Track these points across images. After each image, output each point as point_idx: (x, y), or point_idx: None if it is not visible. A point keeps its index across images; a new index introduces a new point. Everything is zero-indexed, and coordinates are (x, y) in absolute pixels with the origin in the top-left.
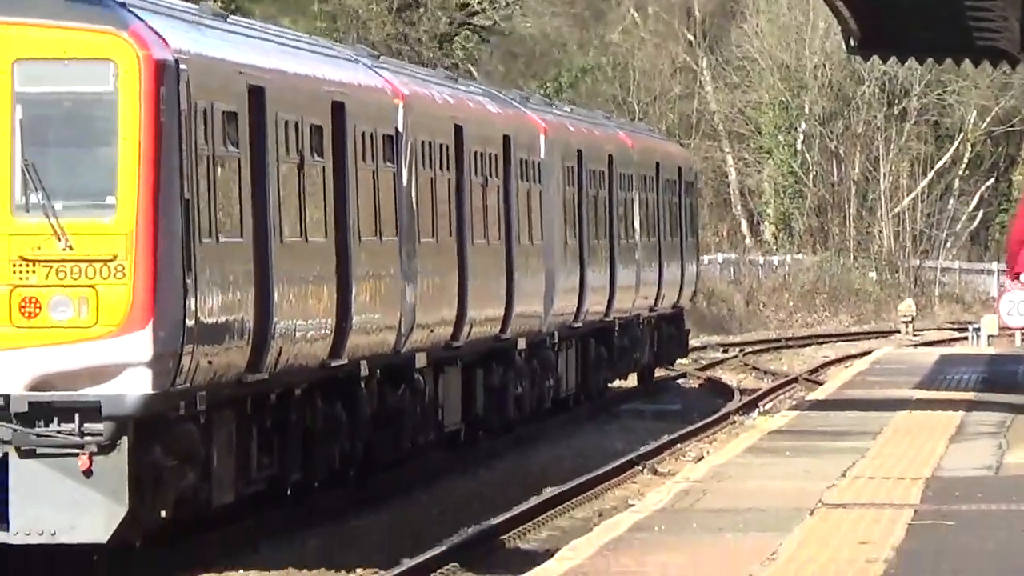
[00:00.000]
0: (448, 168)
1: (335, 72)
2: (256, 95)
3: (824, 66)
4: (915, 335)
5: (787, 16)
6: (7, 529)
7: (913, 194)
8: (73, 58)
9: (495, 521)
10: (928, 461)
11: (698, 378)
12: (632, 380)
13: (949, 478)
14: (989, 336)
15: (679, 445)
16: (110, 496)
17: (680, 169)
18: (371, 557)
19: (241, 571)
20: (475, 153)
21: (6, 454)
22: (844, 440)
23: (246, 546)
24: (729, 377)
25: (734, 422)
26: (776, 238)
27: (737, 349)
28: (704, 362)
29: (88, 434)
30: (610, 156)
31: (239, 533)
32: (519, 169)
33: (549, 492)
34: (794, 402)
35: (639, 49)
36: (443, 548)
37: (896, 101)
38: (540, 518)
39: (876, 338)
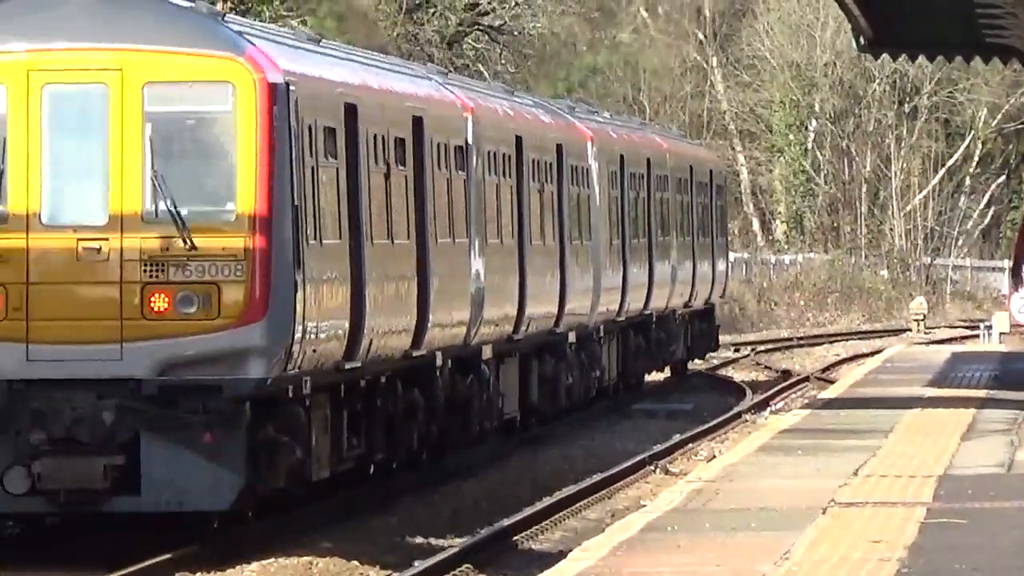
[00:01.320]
0: (509, 175)
1: (413, 89)
2: (350, 112)
3: (835, 64)
4: (926, 333)
5: (797, 15)
6: (140, 498)
7: (924, 192)
8: (196, 81)
9: (507, 522)
10: (940, 459)
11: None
12: (651, 379)
13: (961, 476)
14: (1001, 334)
15: (691, 445)
16: (230, 468)
17: (711, 172)
18: (383, 558)
19: (245, 569)
20: (532, 161)
21: (138, 431)
22: (856, 439)
23: (255, 545)
24: (741, 376)
25: (746, 421)
26: (787, 237)
27: (749, 348)
28: (716, 361)
29: (212, 414)
30: (648, 160)
31: (250, 532)
32: (570, 175)
33: (561, 493)
34: (806, 401)
35: (649, 48)
36: (456, 549)
37: (907, 99)
38: (553, 519)
39: (887, 336)
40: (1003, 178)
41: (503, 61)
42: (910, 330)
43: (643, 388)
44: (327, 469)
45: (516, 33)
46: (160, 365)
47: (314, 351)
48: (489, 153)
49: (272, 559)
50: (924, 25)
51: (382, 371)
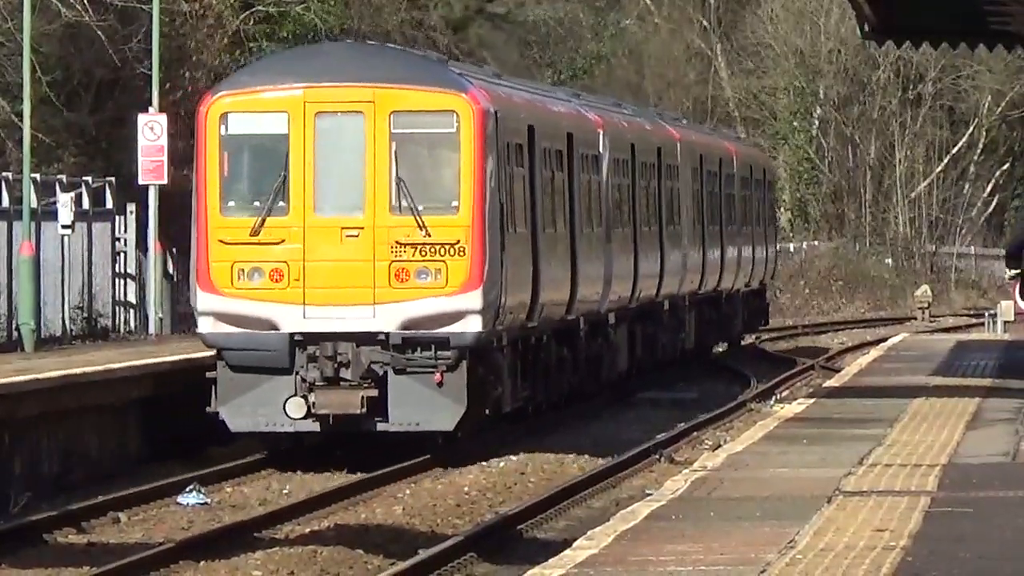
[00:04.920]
0: (628, 175)
1: (565, 110)
2: (530, 131)
3: (839, 51)
4: (931, 321)
5: (801, 1)
6: (387, 421)
7: (929, 179)
8: (430, 110)
9: (511, 511)
10: (945, 448)
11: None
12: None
13: (966, 465)
14: (1005, 322)
15: (696, 433)
16: (454, 399)
17: (764, 170)
18: (387, 547)
19: (251, 558)
20: (642, 163)
21: (386, 372)
22: (861, 427)
23: (253, 536)
24: (746, 364)
25: (751, 410)
26: (792, 224)
27: (753, 336)
28: (721, 349)
29: (440, 359)
30: (720, 160)
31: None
32: (665, 172)
33: (566, 481)
34: (810, 389)
35: (653, 35)
36: (460, 538)
37: (911, 86)
38: (557, 507)
39: (892, 324)
40: (1007, 165)
41: (508, 48)
42: (915, 318)
43: (711, 355)
44: (510, 405)
45: (521, 20)
46: (403, 322)
47: (510, 313)
48: (614, 159)
49: (276, 548)
50: (928, 12)
51: (546, 331)
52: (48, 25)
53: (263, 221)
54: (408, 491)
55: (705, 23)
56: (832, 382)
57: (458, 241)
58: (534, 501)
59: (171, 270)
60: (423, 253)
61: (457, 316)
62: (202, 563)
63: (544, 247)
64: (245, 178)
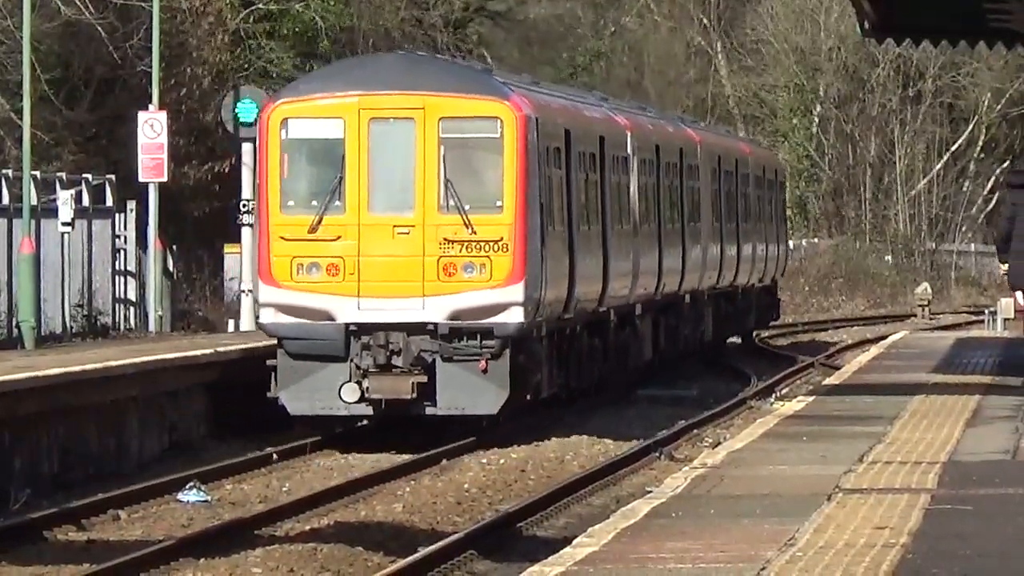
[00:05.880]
0: (653, 175)
1: (596, 115)
2: (567, 135)
3: (839, 49)
4: (931, 319)
5: None
6: (435, 405)
7: (928, 177)
8: (475, 116)
9: (512, 508)
10: (945, 446)
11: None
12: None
13: (966, 463)
14: (1005, 320)
15: (696, 431)
16: (498, 385)
17: (776, 171)
18: (387, 544)
19: (250, 555)
20: (666, 163)
21: (434, 360)
22: (861, 425)
23: (252, 531)
24: (745, 362)
25: (751, 407)
26: (791, 222)
27: (753, 334)
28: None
29: (485, 348)
30: (737, 161)
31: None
32: (686, 172)
33: (566, 479)
34: (810, 387)
35: (653, 33)
36: (460, 535)
37: (911, 84)
38: (557, 505)
39: (892, 322)
40: (1007, 163)
41: (507, 46)
42: (915, 316)
43: (726, 348)
44: (547, 391)
45: (520, 18)
46: (450, 313)
47: (548, 305)
48: (640, 160)
49: (276, 545)
50: (928, 10)
51: (580, 322)
52: (48, 23)
53: (320, 219)
54: (408, 488)
55: (705, 20)
56: (832, 379)
57: (502, 238)
58: (534, 499)
59: (171, 267)
60: (469, 249)
61: (500, 308)
62: (202, 560)
63: (579, 243)
64: (304, 179)
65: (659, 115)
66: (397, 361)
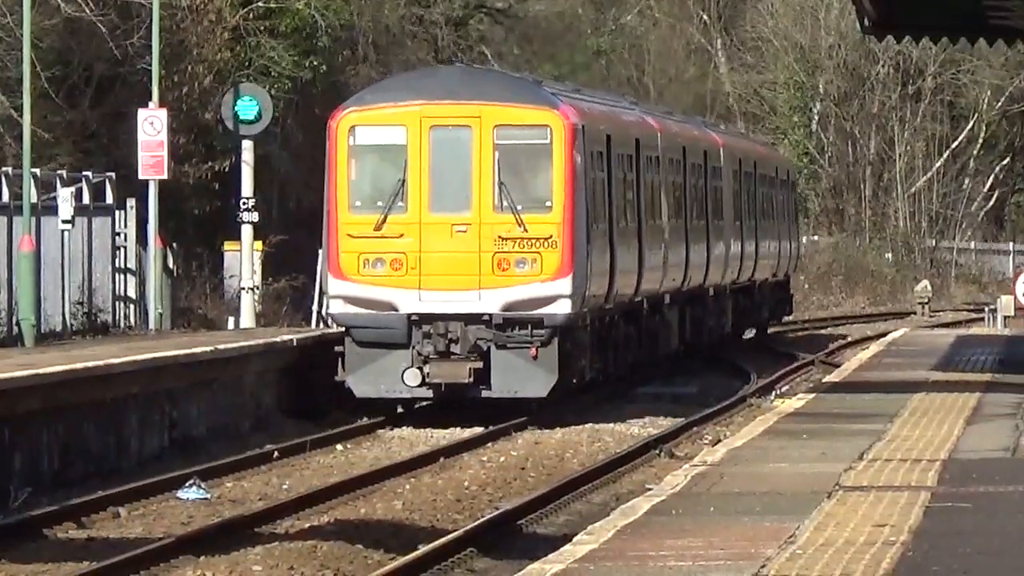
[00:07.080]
0: (679, 174)
1: (632, 119)
2: (608, 140)
3: (839, 46)
4: (931, 316)
5: None
6: (490, 389)
7: (928, 174)
8: (528, 124)
9: (512, 506)
10: (945, 443)
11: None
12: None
13: (966, 460)
14: (1005, 317)
15: (696, 428)
16: (548, 370)
17: (788, 171)
18: (387, 542)
19: (250, 552)
20: (691, 164)
21: (489, 347)
22: (861, 422)
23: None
24: (745, 359)
25: (751, 405)
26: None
27: (753, 331)
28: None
29: (536, 336)
30: (755, 162)
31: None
32: (713, 173)
33: (566, 476)
34: (811, 384)
35: (654, 30)
36: (460, 533)
37: (911, 81)
38: (557, 502)
39: (892, 319)
40: (1007, 160)
41: (508, 44)
42: (915, 313)
43: (742, 341)
44: (589, 375)
45: (521, 16)
46: (504, 305)
47: (592, 296)
48: (669, 159)
49: (276, 543)
50: (928, 7)
51: (617, 311)
52: (48, 20)
53: (385, 218)
54: (408, 486)
55: (705, 18)
56: (832, 377)
57: (551, 236)
58: (534, 496)
59: (171, 265)
60: (521, 246)
61: (550, 300)
62: (202, 558)
63: (619, 239)
64: (369, 182)
65: (685, 119)
66: (455, 348)
